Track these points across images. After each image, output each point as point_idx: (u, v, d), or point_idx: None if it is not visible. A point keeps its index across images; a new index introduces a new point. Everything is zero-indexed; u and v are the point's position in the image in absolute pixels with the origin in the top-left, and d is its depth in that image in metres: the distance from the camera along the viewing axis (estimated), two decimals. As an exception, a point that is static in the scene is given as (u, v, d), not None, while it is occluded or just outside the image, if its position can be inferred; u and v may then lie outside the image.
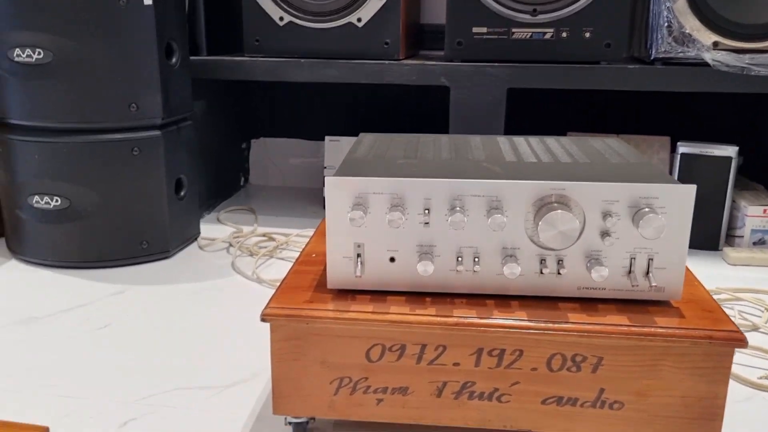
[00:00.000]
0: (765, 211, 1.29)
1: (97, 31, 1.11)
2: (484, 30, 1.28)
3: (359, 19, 1.33)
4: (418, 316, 0.67)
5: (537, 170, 0.72)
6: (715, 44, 1.22)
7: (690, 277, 0.77)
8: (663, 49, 1.24)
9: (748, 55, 1.20)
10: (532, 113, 1.65)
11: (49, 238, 1.20)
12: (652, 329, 0.65)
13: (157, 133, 1.20)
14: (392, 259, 0.70)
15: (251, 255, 1.30)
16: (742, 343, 0.64)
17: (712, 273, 1.23)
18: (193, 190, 1.34)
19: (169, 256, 1.27)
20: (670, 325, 0.66)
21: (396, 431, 0.76)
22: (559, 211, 0.66)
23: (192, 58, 1.36)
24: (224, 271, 1.23)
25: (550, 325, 0.66)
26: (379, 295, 0.71)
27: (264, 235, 1.38)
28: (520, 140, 0.90)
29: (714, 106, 1.57)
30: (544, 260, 0.69)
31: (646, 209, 0.66)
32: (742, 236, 1.31)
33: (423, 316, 0.67)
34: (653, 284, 0.67)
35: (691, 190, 0.66)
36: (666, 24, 1.22)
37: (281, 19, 1.36)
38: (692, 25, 1.22)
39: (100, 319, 1.03)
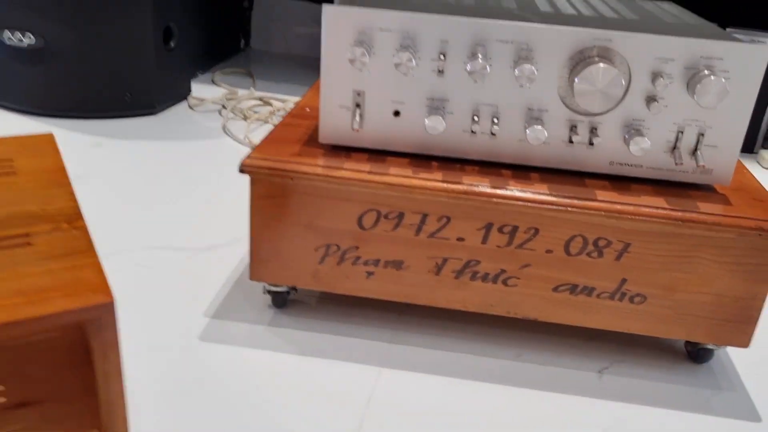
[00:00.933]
0: (811, 112, 1.17)
1: None
2: None
3: None
4: (421, 180, 0.58)
5: (577, 20, 0.60)
6: None
7: (738, 165, 0.66)
8: None
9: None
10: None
11: (23, 82, 1.09)
12: (693, 214, 0.55)
13: (144, -31, 1.06)
14: (397, 113, 0.60)
15: (244, 119, 1.19)
16: (799, 237, 0.55)
17: (743, 175, 1.12)
18: (184, 42, 1.21)
19: (154, 112, 1.17)
20: (715, 212, 0.56)
21: (387, 310, 0.69)
22: (601, 65, 0.55)
23: None
24: (213, 133, 1.13)
25: (574, 201, 0.56)
26: (378, 154, 0.61)
27: (260, 99, 1.27)
28: (556, -5, 0.77)
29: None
30: (575, 126, 0.58)
31: (706, 72, 0.55)
32: (781, 139, 1.20)
33: (427, 180, 0.58)
34: (701, 164, 0.57)
35: (764, 51, 0.54)
36: None
37: None
38: None
39: (72, 170, 0.93)
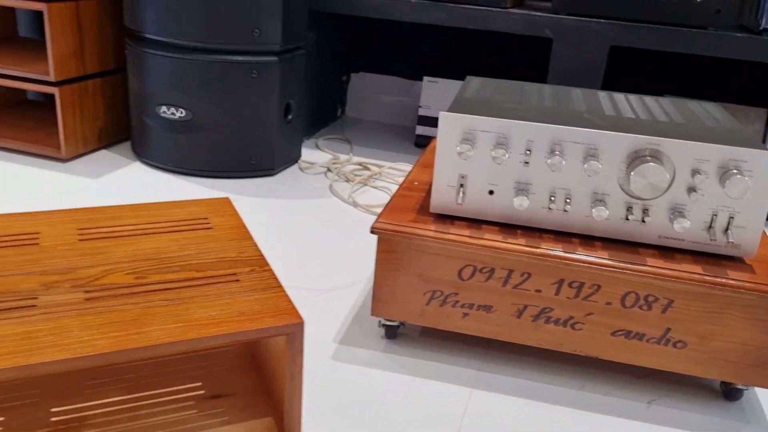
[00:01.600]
0: None
1: (232, -42, 1.21)
2: (594, -14, 1.31)
3: (472, -35, 1.37)
4: (509, 244, 0.76)
5: (634, 125, 0.78)
6: (829, 19, 1.21)
7: (765, 239, 0.82)
8: (774, 20, 1.24)
9: None
10: (630, 72, 1.66)
11: (171, 145, 1.33)
12: (723, 280, 0.71)
13: (274, 58, 1.30)
14: (491, 192, 0.78)
15: (347, 181, 1.40)
16: (807, 301, 0.70)
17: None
18: (299, 115, 1.44)
19: (273, 173, 1.39)
20: (741, 278, 0.72)
21: (476, 344, 0.86)
22: (652, 163, 0.72)
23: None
24: (322, 193, 1.34)
25: (629, 265, 0.73)
26: (475, 222, 0.80)
27: (360, 164, 1.48)
28: (619, 96, 0.95)
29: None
30: (631, 208, 0.76)
31: (734, 171, 0.71)
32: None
33: (513, 244, 0.76)
34: (731, 240, 0.73)
35: (779, 157, 0.71)
36: (781, -6, 1.22)
37: (397, -41, 1.41)
38: (808, -3, 1.21)
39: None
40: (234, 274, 0.66)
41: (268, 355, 0.69)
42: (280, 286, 0.64)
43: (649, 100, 0.94)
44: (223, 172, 1.34)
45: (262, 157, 1.36)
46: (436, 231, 0.77)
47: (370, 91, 1.90)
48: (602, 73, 1.35)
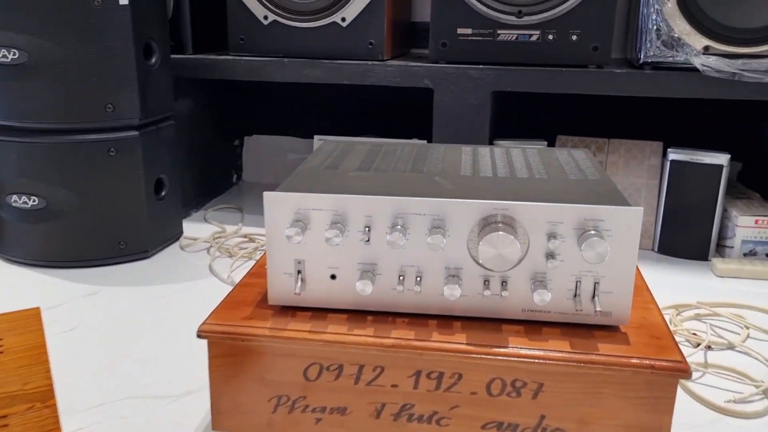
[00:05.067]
0: (757, 221, 1.26)
1: (72, 31, 1.11)
2: (469, 31, 1.26)
3: (343, 19, 1.31)
4: (354, 336, 0.66)
5: (487, 187, 0.70)
6: (706, 48, 1.18)
7: (646, 299, 0.74)
8: (652, 53, 1.20)
9: (740, 61, 1.16)
10: (521, 117, 1.62)
11: (27, 238, 1.21)
12: (592, 356, 0.63)
13: (134, 133, 1.20)
14: (333, 277, 0.69)
15: (230, 256, 1.29)
16: (686, 374, 0.62)
17: (697, 284, 1.19)
18: (175, 189, 1.33)
19: (148, 256, 1.27)
20: (612, 353, 0.63)
21: (341, 448, 0.75)
22: (500, 232, 0.64)
23: (174, 56, 1.36)
24: (202, 272, 1.22)
25: (488, 349, 0.64)
26: (320, 312, 0.70)
27: (245, 236, 1.38)
28: (484, 151, 0.87)
29: (709, 112, 1.52)
30: (488, 281, 0.67)
31: (592, 232, 0.64)
32: (733, 247, 1.27)
33: (359, 336, 0.66)
34: (598, 309, 0.65)
35: (637, 213, 0.63)
36: (655, 28, 1.18)
37: (266, 17, 1.34)
38: (682, 29, 1.18)
39: (69, 321, 1.03)
40: (5, 416, 0.54)
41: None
42: (58, 428, 0.53)
43: (516, 152, 0.87)
44: (88, 261, 1.22)
45: (132, 240, 1.24)
46: (272, 328, 0.67)
47: (265, 153, 1.81)
48: (488, 120, 1.28)
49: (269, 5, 1.33)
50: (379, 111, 1.71)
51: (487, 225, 0.65)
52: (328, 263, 0.68)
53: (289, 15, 1.33)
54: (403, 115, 1.68)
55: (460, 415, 0.67)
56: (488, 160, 0.82)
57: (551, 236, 0.65)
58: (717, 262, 1.23)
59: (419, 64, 1.30)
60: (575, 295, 0.66)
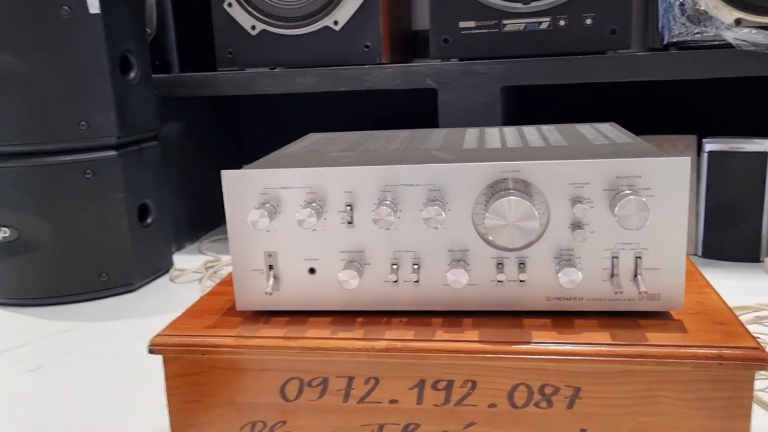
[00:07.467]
0: (812, 212, 1.11)
1: (39, 43, 1.02)
2: (473, 24, 1.15)
3: (336, 22, 1.21)
4: (340, 340, 0.53)
5: (493, 154, 0.58)
6: (738, 21, 1.06)
7: (700, 283, 0.60)
8: (677, 31, 1.08)
9: (777, 32, 1.03)
10: (539, 113, 1.49)
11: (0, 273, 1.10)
12: (641, 348, 0.49)
13: (112, 153, 1.10)
14: (312, 271, 0.56)
15: (224, 285, 1.17)
16: (765, 363, 0.47)
17: (751, 287, 1.04)
18: (164, 217, 1.23)
19: (133, 289, 1.15)
20: (667, 342, 0.49)
21: (337, 488, 0.61)
22: (512, 197, 0.51)
23: (158, 75, 1.27)
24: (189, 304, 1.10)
25: (507, 347, 0.51)
26: (299, 316, 0.57)
27: (242, 264, 1.25)
28: (492, 130, 0.75)
29: (744, 95, 1.39)
30: (502, 264, 0.54)
31: (627, 191, 0.51)
32: (787, 243, 1.12)
33: (345, 340, 0.53)
34: (643, 290, 0.51)
35: (684, 163, 0.50)
36: (678, 2, 1.07)
37: (253, 28, 1.25)
38: (708, 1, 1.06)
39: (34, 361, 0.91)
40: None
41: None
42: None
43: (528, 128, 0.75)
44: (65, 296, 1.10)
45: (114, 272, 1.13)
46: (238, 336, 0.54)
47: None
48: (499, 119, 1.17)
49: (256, 14, 1.24)
50: (381, 119, 1.60)
51: (495, 194, 0.53)
52: (305, 254, 0.56)
53: (278, 23, 1.24)
54: (408, 121, 1.57)
55: (477, 435, 0.53)
56: (496, 136, 0.70)
57: (576, 201, 0.52)
58: (771, 261, 1.09)
59: (420, 63, 1.20)
60: (612, 275, 0.53)
